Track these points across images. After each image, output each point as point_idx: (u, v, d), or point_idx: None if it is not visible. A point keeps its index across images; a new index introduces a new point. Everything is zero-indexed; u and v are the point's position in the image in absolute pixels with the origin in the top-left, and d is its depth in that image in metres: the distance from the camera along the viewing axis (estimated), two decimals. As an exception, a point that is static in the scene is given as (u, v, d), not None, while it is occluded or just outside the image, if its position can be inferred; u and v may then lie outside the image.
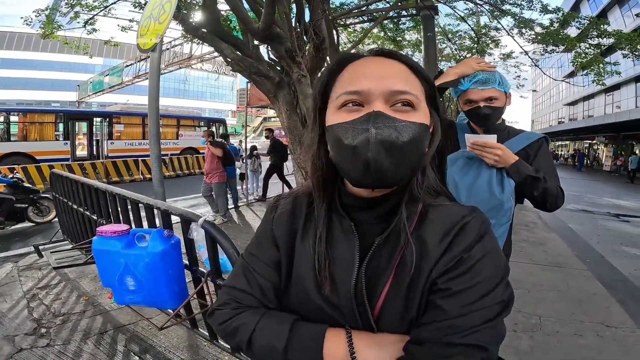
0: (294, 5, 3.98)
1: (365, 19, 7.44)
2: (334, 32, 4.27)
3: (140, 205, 2.36)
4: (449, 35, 10.20)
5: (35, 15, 6.84)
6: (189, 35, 7.84)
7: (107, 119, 12.91)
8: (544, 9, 6.49)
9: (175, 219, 2.12)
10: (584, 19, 6.94)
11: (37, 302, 2.86)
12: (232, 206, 7.20)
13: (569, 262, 4.45)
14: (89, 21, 6.94)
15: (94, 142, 12.69)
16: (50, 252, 3.48)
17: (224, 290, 0.71)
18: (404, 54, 0.67)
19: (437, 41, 8.19)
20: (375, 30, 8.60)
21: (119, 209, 2.63)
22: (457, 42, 10.60)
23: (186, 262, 2.10)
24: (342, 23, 7.11)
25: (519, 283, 3.49)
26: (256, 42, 4.15)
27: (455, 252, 0.58)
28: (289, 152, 8.04)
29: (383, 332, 0.60)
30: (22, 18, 7.23)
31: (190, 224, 1.95)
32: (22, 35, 42.78)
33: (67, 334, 2.41)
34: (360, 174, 0.55)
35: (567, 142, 42.52)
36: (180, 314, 2.12)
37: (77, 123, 12.50)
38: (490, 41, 9.53)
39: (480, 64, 1.39)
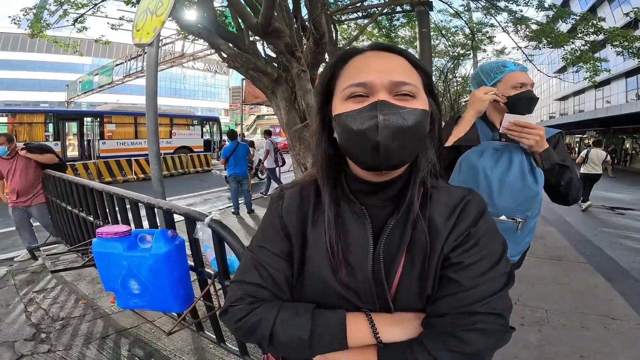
0: (290, 1, 3.92)
1: (360, 15, 7.40)
2: (333, 27, 4.22)
3: (139, 205, 2.28)
4: (443, 32, 10.21)
5: (24, 14, 6.67)
6: (182, 33, 7.73)
7: (98, 119, 12.67)
8: (540, 6, 6.50)
9: (177, 217, 2.05)
10: (577, 15, 6.98)
11: (35, 307, 2.78)
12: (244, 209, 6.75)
13: (568, 255, 4.47)
14: (79, 19, 6.79)
15: (85, 143, 12.47)
16: (46, 255, 3.38)
17: (236, 286, 0.69)
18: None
19: (431, 37, 8.18)
20: (369, 27, 8.57)
21: (117, 209, 2.55)
22: (450, 38, 10.62)
23: (191, 263, 2.03)
24: (337, 19, 7.05)
25: (522, 277, 3.49)
26: (252, 38, 4.07)
27: (462, 228, 0.63)
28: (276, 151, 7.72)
29: (398, 312, 0.63)
30: (9, 17, 7.05)
31: (196, 224, 1.89)
32: (9, 35, 41.72)
33: (68, 338, 2.34)
34: (370, 157, 0.58)
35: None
36: (187, 317, 2.06)
37: (67, 123, 12.27)
38: (485, 37, 9.56)
39: (487, 93, 1.32)
